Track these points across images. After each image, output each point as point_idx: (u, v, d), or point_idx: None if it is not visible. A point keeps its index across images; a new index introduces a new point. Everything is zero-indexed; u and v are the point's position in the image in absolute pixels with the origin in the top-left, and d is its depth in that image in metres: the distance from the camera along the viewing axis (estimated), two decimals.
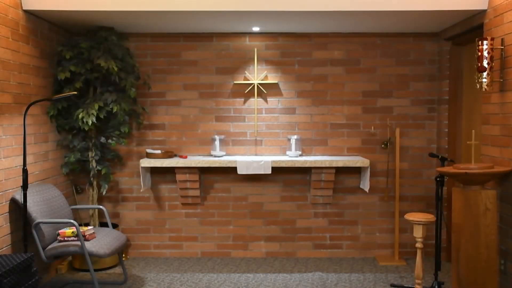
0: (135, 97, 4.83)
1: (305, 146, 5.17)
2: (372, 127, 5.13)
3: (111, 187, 5.15)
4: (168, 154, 4.95)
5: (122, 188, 5.22)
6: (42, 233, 3.80)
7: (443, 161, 4.07)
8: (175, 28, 4.90)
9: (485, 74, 3.68)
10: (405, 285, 4.28)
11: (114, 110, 4.58)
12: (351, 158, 4.95)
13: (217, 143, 5.04)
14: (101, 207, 4.42)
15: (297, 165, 4.79)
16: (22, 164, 3.73)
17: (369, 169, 4.90)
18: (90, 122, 4.44)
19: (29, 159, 4.08)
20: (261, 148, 5.19)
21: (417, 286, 4.02)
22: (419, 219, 3.91)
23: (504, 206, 3.76)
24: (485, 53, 3.67)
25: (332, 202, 5.15)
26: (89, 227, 4.00)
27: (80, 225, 4.64)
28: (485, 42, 3.67)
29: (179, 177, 4.98)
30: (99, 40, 4.62)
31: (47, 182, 4.39)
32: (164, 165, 4.84)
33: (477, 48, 3.71)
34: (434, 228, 4.10)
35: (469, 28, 4.38)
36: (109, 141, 4.82)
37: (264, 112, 5.18)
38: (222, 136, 5.11)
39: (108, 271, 4.73)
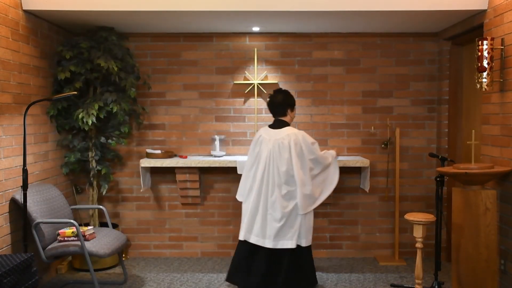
0: (135, 97, 4.83)
1: None
2: (372, 127, 5.13)
3: (111, 187, 5.15)
4: (168, 154, 4.95)
5: (122, 188, 5.22)
6: (42, 233, 3.80)
7: (443, 161, 4.07)
8: (175, 28, 4.90)
9: (485, 74, 3.68)
10: (405, 285, 4.28)
11: (114, 110, 4.58)
12: (351, 158, 4.95)
13: (217, 143, 5.05)
14: (101, 207, 4.43)
15: None
16: (22, 164, 3.73)
17: (369, 169, 4.89)
18: (90, 122, 4.44)
19: (29, 159, 4.08)
20: None
21: (417, 286, 4.01)
22: (419, 219, 3.91)
23: (504, 206, 3.76)
24: (485, 53, 3.67)
25: (332, 202, 5.15)
26: (89, 227, 4.01)
27: (80, 225, 4.63)
28: (485, 42, 3.67)
29: (179, 177, 4.97)
30: (99, 40, 4.62)
31: (47, 182, 4.39)
32: (164, 165, 4.84)
33: (477, 48, 3.71)
34: (434, 228, 4.09)
35: (469, 28, 4.38)
36: (109, 141, 4.82)
37: (264, 112, 5.18)
38: (222, 136, 5.11)
39: (108, 271, 4.73)
